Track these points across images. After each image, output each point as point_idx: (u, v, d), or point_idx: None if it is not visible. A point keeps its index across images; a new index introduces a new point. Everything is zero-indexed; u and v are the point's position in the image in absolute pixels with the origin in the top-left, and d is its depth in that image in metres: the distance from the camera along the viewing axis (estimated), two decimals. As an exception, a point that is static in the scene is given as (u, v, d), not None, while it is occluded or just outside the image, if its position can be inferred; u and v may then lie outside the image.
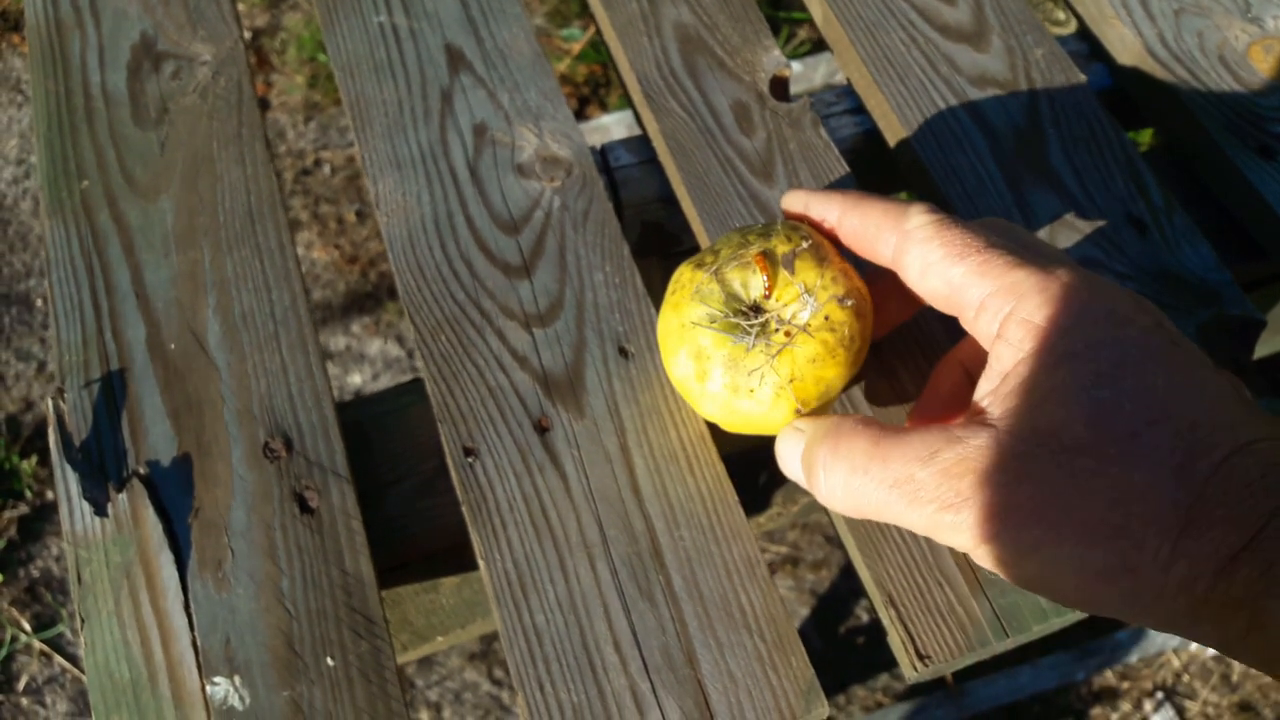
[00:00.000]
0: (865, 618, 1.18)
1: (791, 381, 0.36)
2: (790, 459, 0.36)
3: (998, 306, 0.32)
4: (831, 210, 0.38)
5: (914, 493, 0.31)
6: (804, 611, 1.19)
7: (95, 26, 0.52)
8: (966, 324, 0.34)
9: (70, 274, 0.44)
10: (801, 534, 1.24)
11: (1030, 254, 0.33)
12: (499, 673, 1.17)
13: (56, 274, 0.44)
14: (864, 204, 0.37)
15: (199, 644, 0.37)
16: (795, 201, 0.39)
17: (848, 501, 0.33)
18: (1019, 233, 0.35)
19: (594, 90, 1.50)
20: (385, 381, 1.35)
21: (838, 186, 0.47)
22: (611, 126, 1.39)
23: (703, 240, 0.46)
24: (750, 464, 0.53)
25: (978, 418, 0.31)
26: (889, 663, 1.15)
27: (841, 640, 1.18)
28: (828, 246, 0.38)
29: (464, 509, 0.39)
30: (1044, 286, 0.31)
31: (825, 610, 1.19)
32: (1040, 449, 0.30)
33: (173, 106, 0.49)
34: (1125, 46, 0.52)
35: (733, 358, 0.36)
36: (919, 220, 0.34)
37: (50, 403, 0.41)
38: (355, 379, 1.35)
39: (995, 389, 0.32)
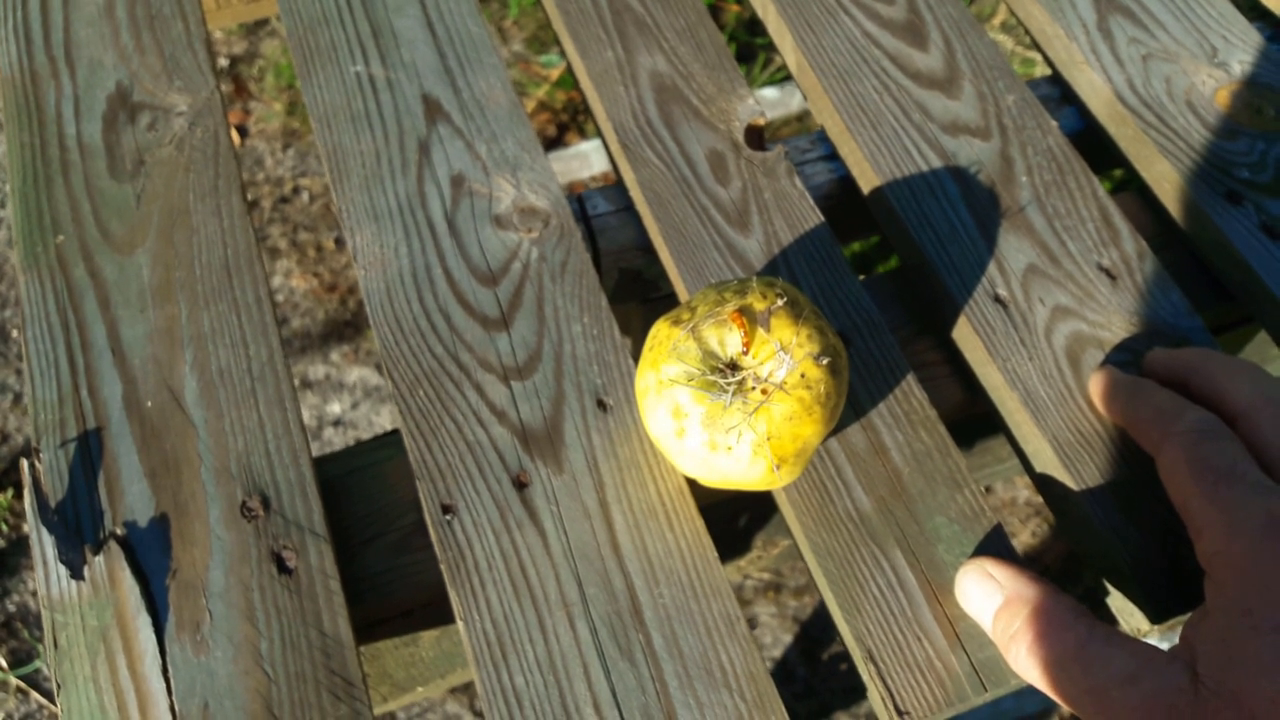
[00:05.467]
0: (848, 643, 1.18)
1: (769, 439, 0.36)
2: (976, 604, 0.37)
3: (1209, 543, 0.34)
4: (1119, 395, 0.41)
5: (1105, 708, 0.32)
6: (787, 638, 1.19)
7: (70, 76, 0.52)
8: (1192, 538, 0.35)
9: (45, 330, 0.44)
10: (783, 559, 1.24)
11: (1265, 491, 0.34)
12: (480, 705, 1.17)
13: (32, 330, 0.44)
14: (1148, 394, 0.40)
15: (177, 709, 0.36)
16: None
17: (1037, 682, 0.34)
18: None
19: (572, 117, 1.51)
20: (365, 410, 1.35)
21: (811, 235, 0.47)
22: (590, 154, 1.39)
23: (680, 289, 0.47)
24: (730, 508, 0.53)
25: (1185, 649, 0.33)
26: (872, 688, 1.15)
27: (824, 666, 1.18)
28: (804, 302, 0.38)
29: (442, 568, 0.39)
30: (1256, 538, 0.32)
31: (808, 636, 1.19)
32: (1228, 711, 0.30)
33: (149, 158, 0.49)
34: (1095, 91, 0.53)
35: (710, 415, 0.36)
36: (1183, 427, 0.37)
37: (26, 464, 0.41)
38: (334, 408, 1.35)
39: (1201, 624, 0.33)
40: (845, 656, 1.18)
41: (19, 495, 1.26)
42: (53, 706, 1.16)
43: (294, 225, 1.47)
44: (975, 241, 0.47)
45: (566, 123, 1.50)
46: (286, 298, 1.41)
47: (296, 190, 1.50)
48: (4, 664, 1.17)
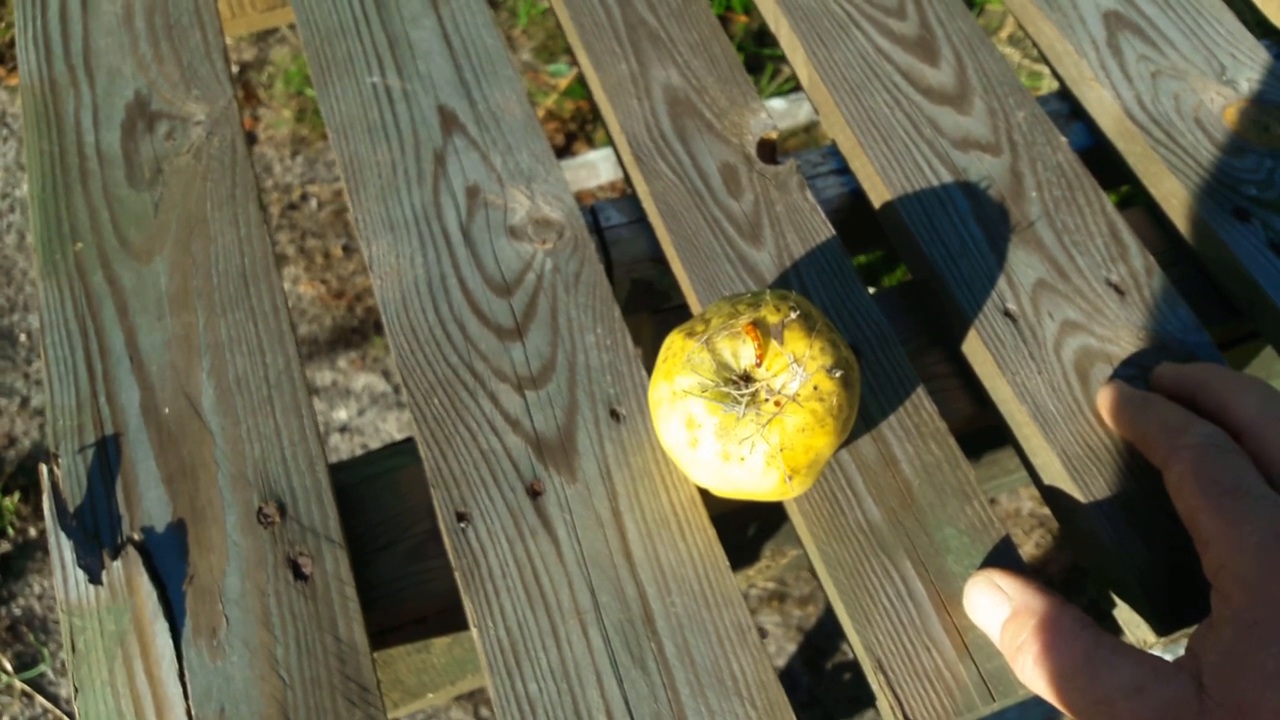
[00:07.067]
0: (852, 653, 1.18)
1: (782, 450, 0.36)
2: (984, 616, 0.37)
3: (1215, 556, 0.34)
4: (1126, 409, 0.41)
5: (1111, 719, 0.32)
6: (791, 648, 1.19)
7: (90, 86, 0.52)
8: (1199, 551, 0.36)
9: (64, 337, 0.45)
10: (791, 568, 1.24)
11: (1271, 505, 0.34)
12: (485, 712, 1.17)
13: (50, 337, 0.45)
14: (1155, 409, 0.40)
15: (194, 713, 0.37)
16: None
17: (1043, 693, 0.35)
18: None
19: (581, 126, 1.51)
20: (371, 417, 1.35)
21: (823, 248, 0.47)
22: (599, 163, 1.40)
23: (692, 301, 0.47)
24: (739, 518, 0.54)
25: (1191, 661, 0.33)
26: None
27: (829, 676, 1.18)
28: (817, 315, 0.38)
29: (457, 575, 0.39)
30: (1262, 552, 0.33)
31: (812, 646, 1.19)
32: None
33: (166, 167, 0.50)
34: (1104, 108, 0.54)
35: (724, 426, 0.37)
36: (1190, 441, 0.37)
37: (45, 469, 0.41)
38: (341, 414, 1.35)
39: (1207, 635, 0.33)
40: (849, 666, 1.18)
41: (26, 499, 1.27)
42: (57, 710, 1.16)
43: (302, 232, 1.47)
44: (985, 256, 0.48)
45: (575, 132, 1.51)
46: (294, 304, 1.41)
47: (305, 197, 1.50)
48: (10, 668, 1.17)
